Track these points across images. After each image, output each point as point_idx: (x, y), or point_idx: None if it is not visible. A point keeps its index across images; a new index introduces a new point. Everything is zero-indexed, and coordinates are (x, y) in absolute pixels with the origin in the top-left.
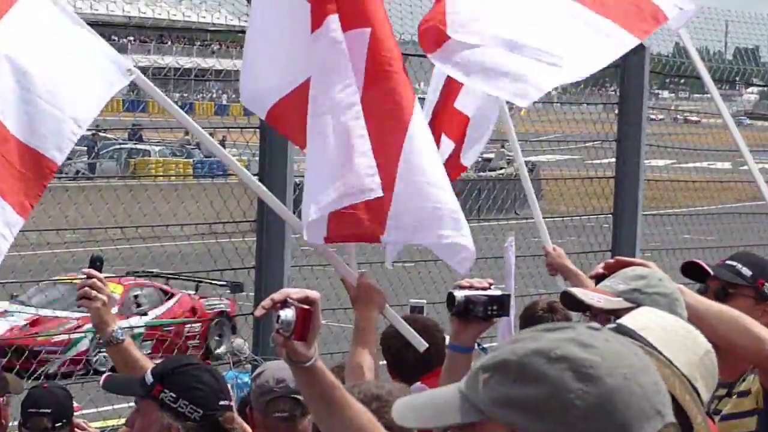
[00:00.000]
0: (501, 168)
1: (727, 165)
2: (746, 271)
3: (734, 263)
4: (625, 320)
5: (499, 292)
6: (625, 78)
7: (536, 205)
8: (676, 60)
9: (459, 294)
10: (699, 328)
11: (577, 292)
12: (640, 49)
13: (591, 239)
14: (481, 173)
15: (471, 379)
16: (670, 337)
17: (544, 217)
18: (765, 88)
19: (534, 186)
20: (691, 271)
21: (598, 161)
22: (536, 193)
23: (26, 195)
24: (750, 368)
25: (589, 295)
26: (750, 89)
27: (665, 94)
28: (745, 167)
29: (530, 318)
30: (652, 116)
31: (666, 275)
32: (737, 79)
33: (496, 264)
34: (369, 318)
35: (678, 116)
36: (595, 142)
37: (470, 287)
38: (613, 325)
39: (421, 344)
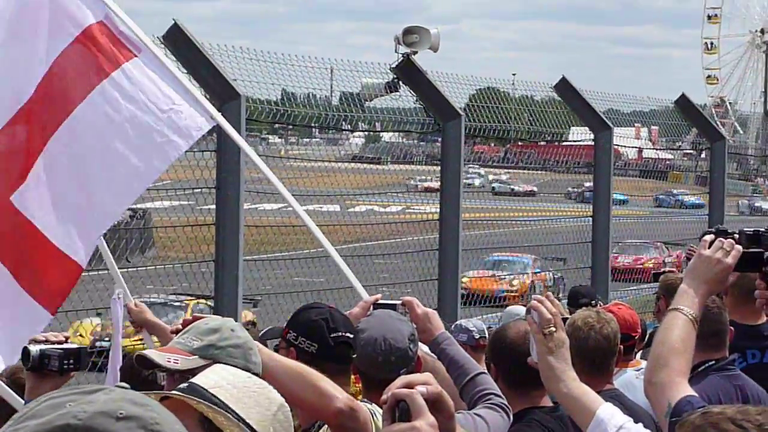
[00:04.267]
0: None
1: (336, 208)
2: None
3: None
4: (197, 379)
5: (74, 346)
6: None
7: (109, 256)
8: (280, 107)
9: (34, 348)
10: (269, 383)
11: (151, 354)
12: (236, 97)
13: (194, 285)
14: None
15: None
16: (241, 394)
17: (154, 264)
18: (370, 132)
19: (147, 233)
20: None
21: (207, 207)
22: (148, 240)
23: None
24: None
25: (164, 356)
26: (356, 133)
27: (275, 139)
28: (354, 209)
29: None
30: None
31: (239, 324)
32: (344, 124)
33: (108, 313)
34: None
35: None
36: (203, 189)
37: (45, 341)
38: (185, 385)
39: None
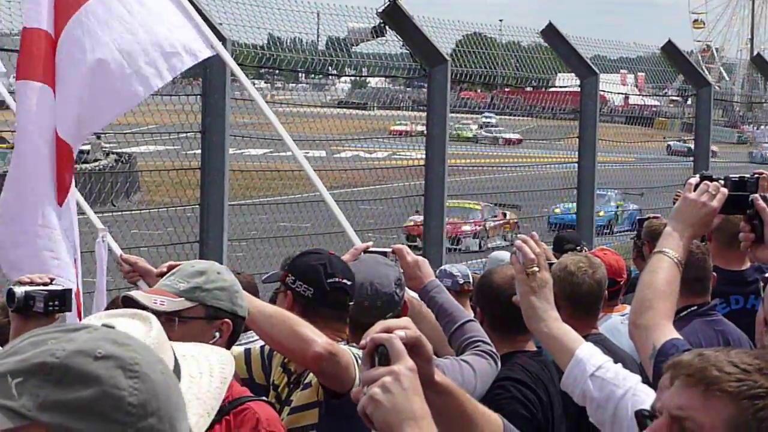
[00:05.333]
0: (97, 160)
1: (322, 153)
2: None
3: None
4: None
5: (60, 287)
6: (208, 70)
7: (84, 202)
8: (266, 52)
9: (19, 290)
10: (253, 330)
11: (138, 295)
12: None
13: (179, 230)
14: (76, 165)
15: None
16: None
17: (140, 209)
18: (357, 78)
19: (132, 177)
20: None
21: (192, 152)
22: (133, 184)
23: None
24: None
25: (150, 298)
26: (343, 79)
27: (261, 84)
28: (340, 155)
29: None
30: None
31: (225, 267)
32: (330, 69)
33: (91, 257)
34: None
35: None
36: (188, 134)
37: (31, 282)
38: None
39: None
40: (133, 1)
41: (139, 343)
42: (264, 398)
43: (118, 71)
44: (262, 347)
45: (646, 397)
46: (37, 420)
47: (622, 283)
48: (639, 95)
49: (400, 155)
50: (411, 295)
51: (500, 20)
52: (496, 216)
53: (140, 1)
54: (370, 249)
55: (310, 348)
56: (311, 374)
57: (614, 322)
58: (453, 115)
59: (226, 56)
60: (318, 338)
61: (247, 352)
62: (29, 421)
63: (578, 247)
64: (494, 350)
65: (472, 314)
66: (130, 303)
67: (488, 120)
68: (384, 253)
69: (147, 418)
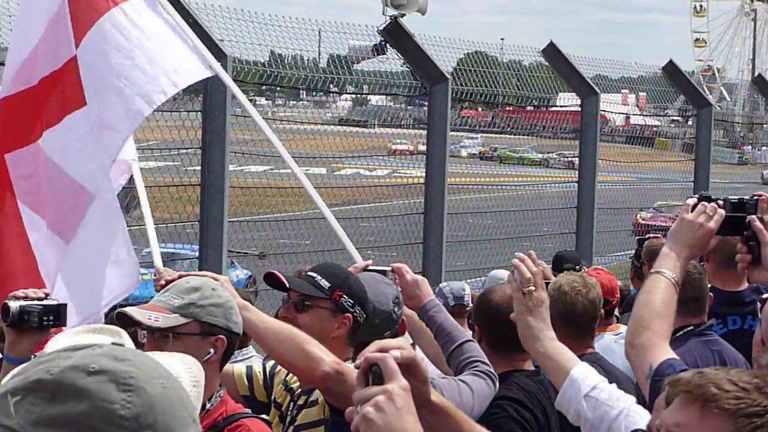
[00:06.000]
0: None
1: (323, 170)
2: (324, 283)
3: (314, 275)
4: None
5: (55, 302)
6: (208, 86)
7: (149, 213)
8: (267, 69)
9: (13, 304)
10: (259, 345)
11: (132, 311)
12: (222, 57)
13: (179, 245)
14: None
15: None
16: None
17: (139, 224)
18: (358, 96)
19: (132, 193)
20: (272, 281)
21: (192, 168)
22: (133, 200)
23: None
24: None
25: (144, 314)
26: (344, 96)
27: (263, 101)
28: (340, 172)
29: None
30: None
31: (219, 284)
32: (332, 86)
33: None
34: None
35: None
36: (189, 150)
37: (25, 297)
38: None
39: None
40: (130, 26)
41: (143, 358)
42: (259, 415)
43: (118, 99)
44: (264, 365)
45: (639, 418)
46: None
47: (614, 302)
48: (640, 115)
49: (400, 173)
50: (411, 312)
51: (501, 39)
52: None
53: (136, 25)
54: (370, 267)
55: (318, 367)
56: (317, 392)
57: (608, 341)
58: (453, 133)
59: (225, 76)
60: (326, 357)
61: (249, 369)
62: None
63: (577, 267)
64: (492, 371)
65: (468, 332)
66: (124, 319)
67: (473, 139)
68: (383, 272)
69: (142, 431)
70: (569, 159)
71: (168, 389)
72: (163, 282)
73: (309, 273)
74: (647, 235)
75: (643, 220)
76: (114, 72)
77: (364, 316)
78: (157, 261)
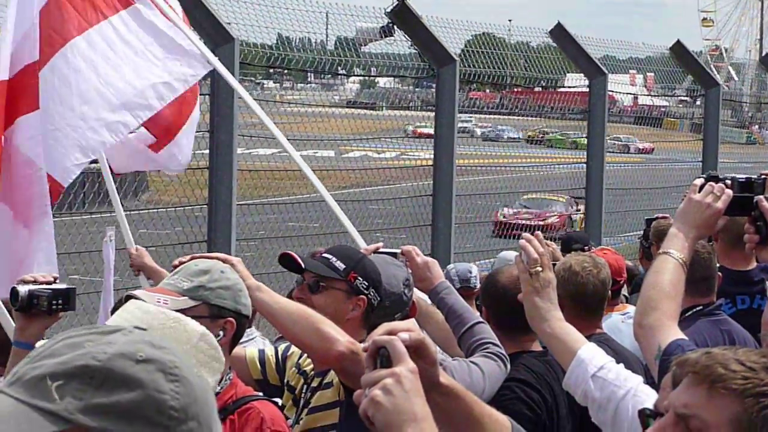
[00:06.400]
0: None
1: (331, 153)
2: (339, 265)
3: (329, 256)
4: (111, 319)
5: (63, 286)
6: (215, 71)
7: (117, 201)
8: (275, 51)
9: (22, 288)
10: (273, 326)
11: (141, 294)
12: (229, 40)
13: (187, 229)
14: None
15: (34, 389)
16: (156, 332)
17: (147, 208)
18: (366, 78)
19: (140, 176)
20: (287, 262)
21: (200, 152)
22: (141, 183)
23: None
24: None
25: (153, 296)
26: (352, 79)
27: (270, 83)
28: (348, 155)
29: None
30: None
31: (228, 267)
32: (339, 69)
33: (99, 257)
34: None
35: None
36: (196, 133)
37: (34, 281)
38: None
39: None
40: (117, 39)
41: (173, 346)
42: (268, 397)
43: (105, 104)
44: (276, 348)
45: (647, 397)
46: (80, 423)
47: (621, 282)
48: (648, 95)
49: (409, 155)
50: (419, 295)
51: (509, 20)
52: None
53: (124, 39)
54: (381, 250)
55: (333, 347)
56: (332, 374)
57: (615, 321)
58: (461, 115)
59: (224, 71)
60: (341, 337)
61: (262, 352)
62: (71, 425)
63: (586, 247)
64: (504, 352)
65: (478, 314)
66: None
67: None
68: (394, 254)
69: (188, 422)
70: (624, 144)
71: (202, 380)
72: (138, 263)
73: (324, 254)
74: (656, 215)
75: (504, 217)
76: (101, 80)
77: (379, 298)
78: (129, 242)
